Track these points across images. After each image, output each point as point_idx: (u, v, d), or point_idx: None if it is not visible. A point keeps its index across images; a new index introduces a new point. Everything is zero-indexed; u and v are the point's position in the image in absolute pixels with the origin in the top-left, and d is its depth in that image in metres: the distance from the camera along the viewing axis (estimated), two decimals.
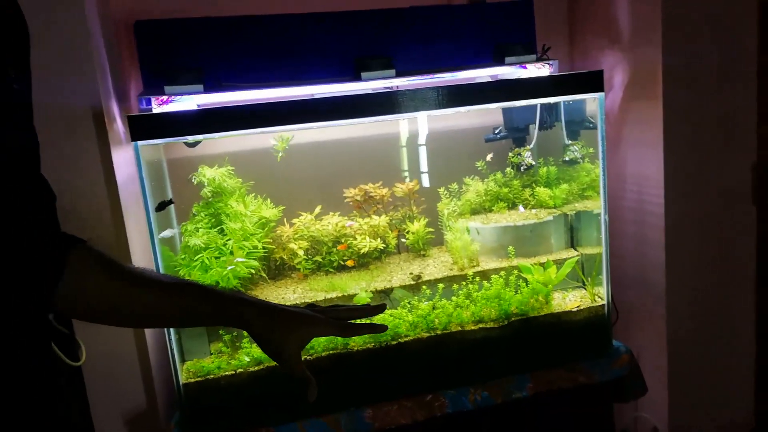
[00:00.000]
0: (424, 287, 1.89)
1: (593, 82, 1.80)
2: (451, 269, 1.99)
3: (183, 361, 1.74)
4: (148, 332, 1.78)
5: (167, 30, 1.84)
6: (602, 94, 1.81)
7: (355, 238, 2.02)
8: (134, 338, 1.74)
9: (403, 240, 2.13)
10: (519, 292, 1.91)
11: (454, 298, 1.88)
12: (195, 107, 1.70)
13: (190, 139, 1.82)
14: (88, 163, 1.63)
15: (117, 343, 1.74)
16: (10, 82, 0.73)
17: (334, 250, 2.03)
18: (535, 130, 2.12)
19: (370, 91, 1.80)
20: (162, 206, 1.68)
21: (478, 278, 1.92)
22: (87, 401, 1.77)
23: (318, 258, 2.01)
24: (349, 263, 1.99)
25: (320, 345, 1.73)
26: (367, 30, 1.94)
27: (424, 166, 2.20)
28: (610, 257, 1.91)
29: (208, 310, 0.90)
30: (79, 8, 1.58)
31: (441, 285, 1.89)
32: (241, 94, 1.84)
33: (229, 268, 1.72)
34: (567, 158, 2.14)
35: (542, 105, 2.07)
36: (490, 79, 1.98)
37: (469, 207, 2.18)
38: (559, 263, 1.96)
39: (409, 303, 1.86)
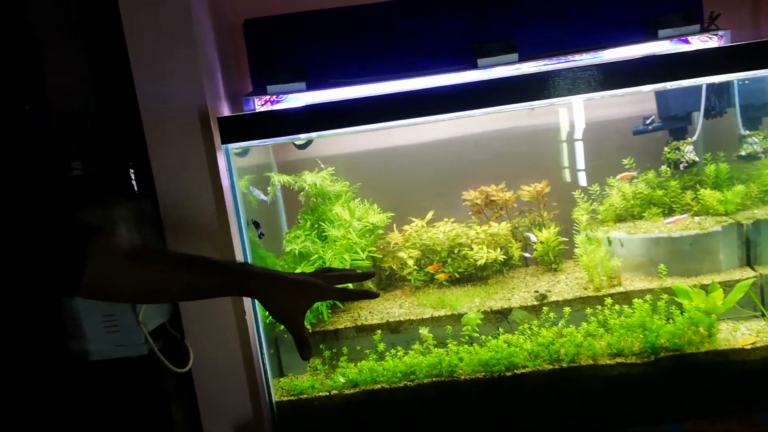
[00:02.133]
0: (545, 309, 1.60)
1: None
2: (585, 288, 1.67)
3: (281, 375, 1.66)
4: (254, 342, 1.73)
5: (273, 27, 1.76)
6: None
7: (471, 248, 1.79)
8: (240, 347, 1.69)
9: (526, 255, 1.85)
10: (671, 321, 1.54)
11: (584, 324, 1.57)
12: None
13: (302, 137, 1.74)
14: (194, 166, 1.59)
15: (224, 350, 1.70)
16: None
17: (449, 260, 1.81)
18: (699, 119, 1.72)
19: (490, 78, 1.56)
20: (256, 225, 1.60)
21: (618, 303, 1.59)
22: (197, 407, 1.76)
23: (430, 269, 1.80)
24: (441, 277, 1.77)
25: (422, 371, 1.53)
26: (484, 11, 1.69)
27: (557, 163, 1.90)
28: None
29: (215, 283, 0.98)
30: (185, 11, 1.54)
31: (567, 309, 1.59)
32: (349, 91, 1.69)
33: None
34: (743, 153, 1.71)
35: (709, 87, 1.66)
36: None
37: (612, 213, 1.83)
38: (729, 286, 1.56)
39: (529, 327, 1.59)
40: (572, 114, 1.84)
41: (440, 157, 1.91)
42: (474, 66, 1.62)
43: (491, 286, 1.76)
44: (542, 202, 1.87)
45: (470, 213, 1.88)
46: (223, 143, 1.47)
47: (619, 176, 1.83)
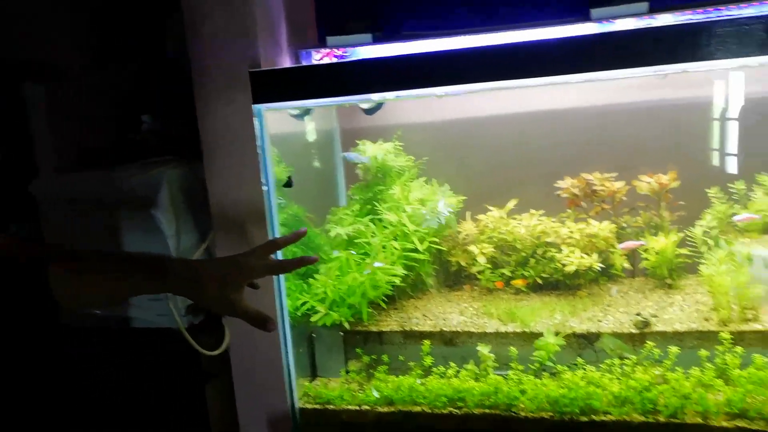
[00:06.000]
0: (648, 344, 1.22)
1: None
2: (706, 319, 1.26)
3: (315, 375, 1.44)
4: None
5: None
6: None
7: (561, 250, 1.43)
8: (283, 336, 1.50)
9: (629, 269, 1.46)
10: None
11: (695, 369, 1.17)
12: None
13: (377, 98, 1.49)
14: (241, 123, 1.40)
15: (265, 337, 1.52)
16: None
17: (532, 261, 1.47)
18: None
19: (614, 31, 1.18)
20: (289, 183, 1.38)
21: (750, 345, 1.17)
22: (233, 391, 1.61)
23: (506, 271, 1.48)
24: (519, 283, 1.44)
25: (473, 398, 1.23)
26: None
27: (690, 151, 1.47)
28: None
29: (131, 281, 0.91)
30: None
31: (674, 348, 1.19)
32: (426, 44, 1.40)
33: (366, 272, 1.32)
34: None
35: None
36: None
37: (762, 222, 1.38)
38: None
39: (621, 362, 1.22)
40: (724, 86, 1.40)
41: (533, 133, 1.55)
42: (586, 18, 1.25)
43: (580, 299, 1.40)
44: (665, 200, 1.46)
45: (567, 207, 1.52)
46: (254, 103, 1.25)
47: None
